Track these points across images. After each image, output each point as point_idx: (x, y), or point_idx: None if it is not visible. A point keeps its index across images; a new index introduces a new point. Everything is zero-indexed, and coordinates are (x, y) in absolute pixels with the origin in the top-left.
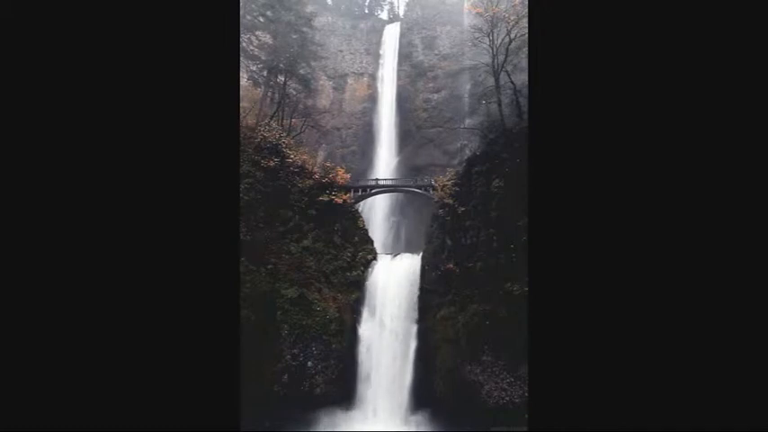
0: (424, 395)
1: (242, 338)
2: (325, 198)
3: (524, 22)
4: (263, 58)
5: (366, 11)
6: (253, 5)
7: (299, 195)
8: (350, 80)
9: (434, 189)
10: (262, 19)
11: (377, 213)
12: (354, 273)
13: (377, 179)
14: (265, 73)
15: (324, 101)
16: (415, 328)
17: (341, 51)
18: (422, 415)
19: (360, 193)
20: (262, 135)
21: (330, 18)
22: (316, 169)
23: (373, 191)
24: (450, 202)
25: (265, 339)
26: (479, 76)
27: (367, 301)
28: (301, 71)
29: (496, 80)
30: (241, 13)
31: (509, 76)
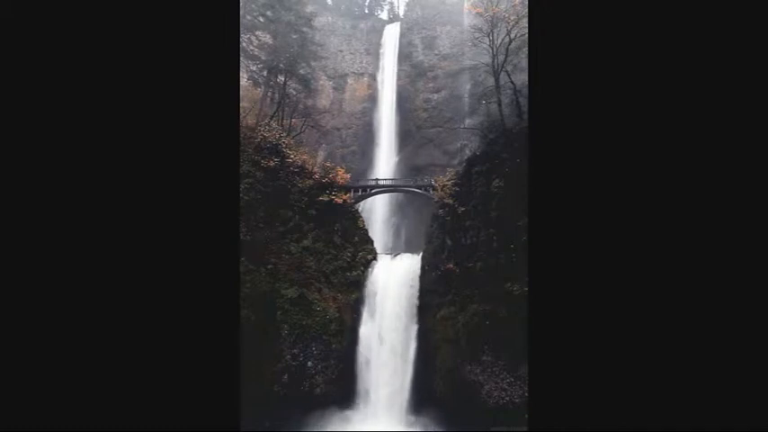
0: (424, 395)
1: (242, 338)
2: (325, 198)
3: (524, 22)
4: (263, 58)
5: (366, 11)
6: (253, 5)
7: (299, 195)
8: (350, 80)
9: (434, 189)
10: (262, 19)
11: (377, 213)
12: (354, 273)
13: (377, 179)
14: (265, 73)
15: (324, 101)
16: (415, 328)
17: (341, 51)
18: (422, 415)
19: (360, 193)
20: (262, 135)
21: (330, 18)
22: (316, 169)
23: (373, 191)
24: (451, 202)
25: (265, 339)
26: (479, 76)
27: (367, 301)
28: (301, 71)
29: (496, 80)
30: (241, 13)
31: (509, 76)
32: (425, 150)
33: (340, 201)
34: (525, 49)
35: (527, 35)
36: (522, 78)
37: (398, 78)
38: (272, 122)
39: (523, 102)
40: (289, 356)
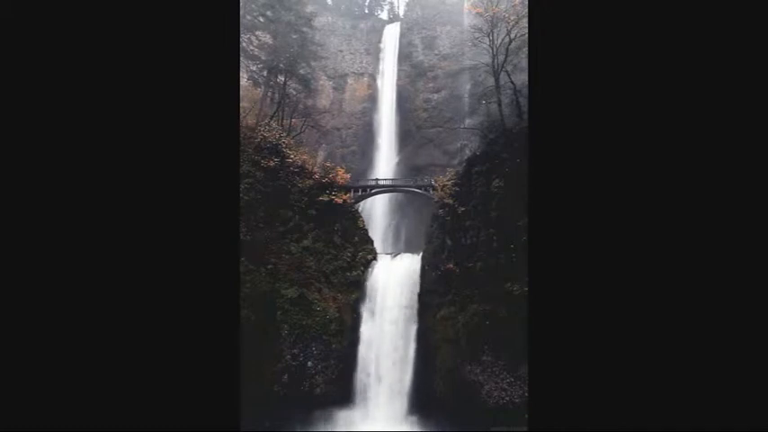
0: (424, 395)
1: (242, 338)
2: (325, 198)
3: (524, 22)
4: (263, 58)
5: (366, 11)
6: (253, 5)
7: (299, 195)
8: (350, 80)
9: (434, 189)
10: (262, 19)
11: (377, 213)
12: (354, 273)
13: (377, 179)
14: (265, 73)
15: (324, 101)
16: (414, 329)
17: (341, 51)
18: (422, 415)
19: (360, 193)
20: (262, 135)
21: (330, 18)
22: (316, 169)
23: (373, 191)
24: (450, 202)
25: (265, 339)
26: (479, 76)
27: (367, 301)
28: (301, 71)
29: (496, 80)
30: (241, 13)
31: (509, 76)
32: (425, 150)
33: (340, 201)
34: (525, 49)
35: (527, 35)
36: (522, 78)
37: (398, 78)
38: (272, 122)
39: (523, 102)
40: (289, 356)
